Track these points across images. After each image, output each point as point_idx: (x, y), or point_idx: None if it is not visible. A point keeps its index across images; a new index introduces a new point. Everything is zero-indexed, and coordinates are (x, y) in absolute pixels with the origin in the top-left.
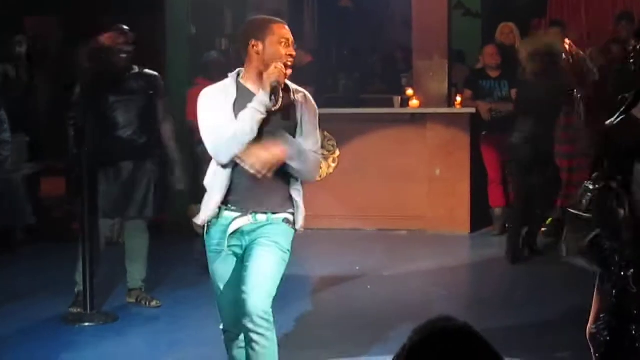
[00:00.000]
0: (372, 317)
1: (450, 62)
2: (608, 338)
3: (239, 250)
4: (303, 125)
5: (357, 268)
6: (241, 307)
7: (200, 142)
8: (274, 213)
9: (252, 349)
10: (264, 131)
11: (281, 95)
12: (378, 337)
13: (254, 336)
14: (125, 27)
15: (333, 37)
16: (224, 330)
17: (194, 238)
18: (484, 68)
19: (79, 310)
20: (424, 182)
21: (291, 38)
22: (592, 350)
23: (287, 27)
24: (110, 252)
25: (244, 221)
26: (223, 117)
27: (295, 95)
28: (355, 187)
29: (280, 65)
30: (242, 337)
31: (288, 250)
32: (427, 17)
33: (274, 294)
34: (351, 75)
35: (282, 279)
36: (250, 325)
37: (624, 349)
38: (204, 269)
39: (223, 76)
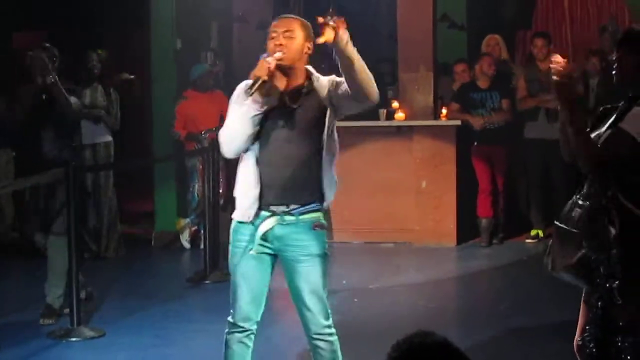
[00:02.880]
0: (359, 330)
1: (436, 75)
2: (594, 350)
3: (267, 252)
4: (336, 103)
5: (344, 281)
6: (300, 319)
7: (188, 155)
8: (301, 214)
9: (319, 354)
10: (283, 129)
11: (264, 87)
12: (364, 350)
13: (319, 343)
14: (47, 44)
15: (319, 50)
16: (232, 324)
17: (182, 253)
18: (473, 80)
19: (50, 321)
20: (410, 195)
21: (281, 28)
22: None
23: (285, 18)
24: (97, 266)
25: (272, 222)
26: (234, 112)
27: (321, 94)
28: (341, 200)
29: (264, 59)
30: (247, 333)
31: (326, 252)
32: (412, 29)
33: (326, 298)
34: None
35: (271, 291)
36: (313, 335)
37: None
38: (193, 283)
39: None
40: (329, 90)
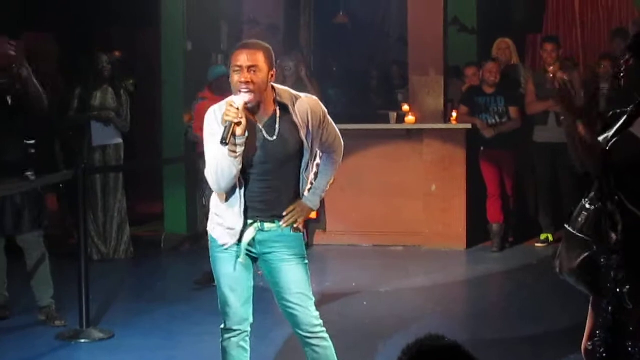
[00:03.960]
0: (368, 333)
1: (446, 78)
2: (604, 355)
3: (248, 255)
4: (314, 137)
5: (354, 284)
6: (290, 320)
7: (201, 156)
8: (281, 219)
9: (315, 352)
10: (265, 161)
11: (237, 132)
12: (373, 353)
13: (313, 342)
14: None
15: (329, 53)
16: (227, 330)
17: (191, 255)
18: (480, 84)
19: (61, 322)
20: (420, 198)
21: (246, 63)
22: None
23: (248, 49)
24: (106, 268)
25: (253, 231)
26: (213, 150)
27: (297, 115)
28: (351, 203)
29: (233, 101)
30: (243, 336)
31: (305, 255)
32: (423, 33)
33: (313, 297)
34: (347, 91)
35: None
36: (306, 335)
37: None
38: (200, 285)
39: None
40: (315, 126)
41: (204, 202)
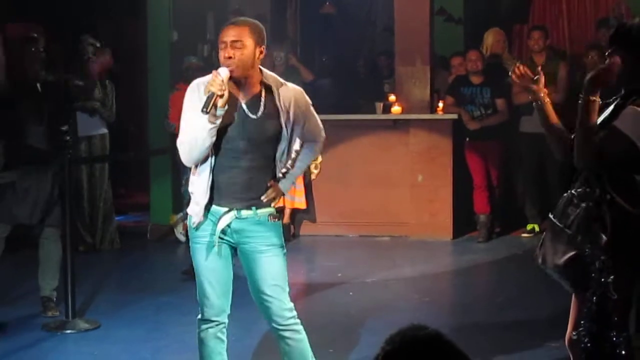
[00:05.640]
0: (354, 323)
1: (433, 68)
2: (589, 345)
3: (227, 244)
4: (294, 125)
5: (340, 274)
6: (263, 312)
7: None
8: (258, 208)
9: (288, 344)
10: (243, 138)
11: (218, 104)
12: (360, 343)
13: (286, 334)
14: (35, 34)
15: (316, 44)
16: (204, 320)
17: (177, 245)
18: (467, 74)
19: (57, 313)
20: (406, 188)
21: (230, 38)
22: (571, 358)
23: (234, 26)
24: (92, 259)
25: (230, 217)
26: (191, 121)
27: (281, 100)
28: (337, 193)
29: (219, 72)
30: (221, 327)
31: (284, 244)
32: (410, 23)
33: (288, 289)
34: (333, 81)
35: None
36: (280, 327)
37: (605, 356)
38: (187, 275)
39: None
40: (297, 115)
41: (184, 187)
